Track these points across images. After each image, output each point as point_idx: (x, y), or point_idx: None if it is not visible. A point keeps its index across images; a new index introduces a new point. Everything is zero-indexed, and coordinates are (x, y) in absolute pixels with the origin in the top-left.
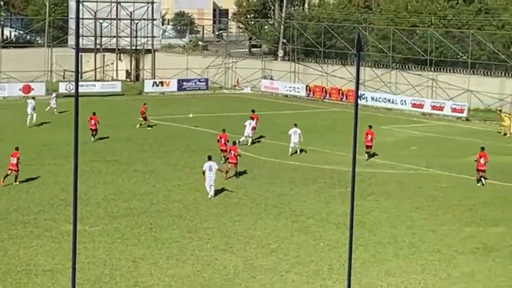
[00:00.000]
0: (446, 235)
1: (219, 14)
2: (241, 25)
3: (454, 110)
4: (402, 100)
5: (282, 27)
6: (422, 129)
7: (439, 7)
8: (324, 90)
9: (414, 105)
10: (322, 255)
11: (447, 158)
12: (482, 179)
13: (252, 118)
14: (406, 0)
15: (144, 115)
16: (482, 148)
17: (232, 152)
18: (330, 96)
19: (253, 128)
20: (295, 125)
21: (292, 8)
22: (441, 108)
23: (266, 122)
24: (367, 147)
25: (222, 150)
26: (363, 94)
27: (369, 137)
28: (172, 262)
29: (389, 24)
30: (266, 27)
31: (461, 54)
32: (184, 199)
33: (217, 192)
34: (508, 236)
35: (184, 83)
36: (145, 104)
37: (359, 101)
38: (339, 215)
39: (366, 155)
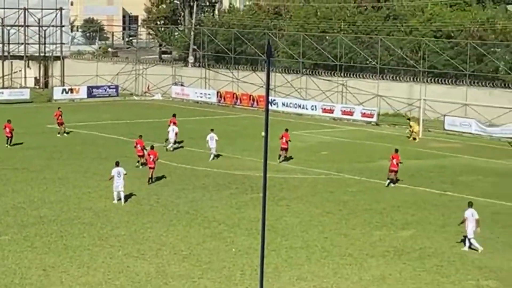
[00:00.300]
0: (357, 239)
1: (129, 21)
2: (151, 32)
3: (363, 115)
4: (312, 106)
5: (192, 33)
6: (333, 134)
7: (348, 13)
8: (234, 96)
9: (324, 110)
10: (234, 261)
11: (358, 162)
12: (393, 180)
13: (175, 123)
14: (316, 7)
15: (59, 120)
16: (396, 150)
17: (152, 156)
18: (241, 102)
19: (176, 134)
20: (212, 130)
21: (202, 15)
22: (351, 113)
23: (178, 129)
24: (282, 149)
25: (139, 156)
26: (274, 100)
27: (284, 139)
28: (83, 270)
29: (299, 30)
30: (176, 33)
31: (370, 60)
32: (95, 206)
33: (128, 199)
34: (418, 239)
35: (94, 90)
36: (59, 108)
37: (269, 107)
38: (251, 220)
39: (281, 157)
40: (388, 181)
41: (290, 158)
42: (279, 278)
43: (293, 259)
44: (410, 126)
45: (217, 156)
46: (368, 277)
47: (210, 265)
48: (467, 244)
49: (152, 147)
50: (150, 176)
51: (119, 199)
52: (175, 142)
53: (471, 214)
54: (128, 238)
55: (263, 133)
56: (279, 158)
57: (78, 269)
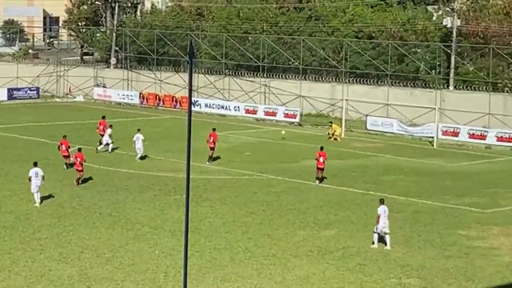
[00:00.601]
0: (280, 239)
1: (50, 22)
2: (73, 33)
3: (286, 115)
4: (235, 106)
5: (114, 34)
6: (256, 134)
7: (270, 14)
8: (157, 97)
9: (247, 111)
10: (158, 263)
11: (281, 163)
12: (319, 178)
13: (110, 126)
14: (238, 7)
15: None
16: (321, 148)
17: (78, 159)
18: (163, 103)
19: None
20: (139, 130)
21: (124, 16)
22: (274, 114)
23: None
24: (211, 148)
25: (64, 157)
26: (197, 101)
27: (211, 139)
28: (4, 275)
29: (221, 31)
30: (98, 34)
31: (292, 60)
32: (16, 209)
33: (49, 201)
34: (341, 238)
35: (14, 92)
36: None
37: (192, 108)
38: (174, 222)
39: (209, 157)
40: (317, 181)
41: (218, 158)
42: (203, 279)
43: (217, 260)
44: (331, 128)
45: (143, 157)
46: (292, 277)
47: (133, 267)
48: (377, 239)
49: (79, 150)
50: (78, 177)
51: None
52: (109, 143)
53: (383, 211)
54: (50, 242)
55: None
56: (208, 160)
57: None
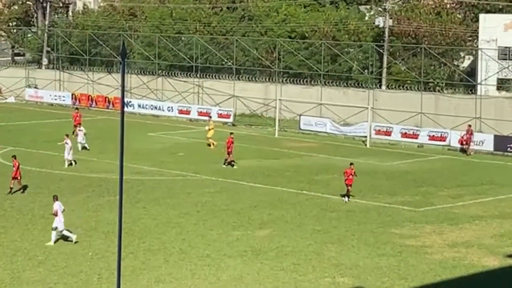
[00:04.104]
0: (215, 239)
1: None
2: (3, 33)
3: (220, 115)
4: (169, 107)
5: (45, 35)
6: (190, 135)
7: (203, 14)
8: (90, 98)
9: (181, 112)
10: (91, 265)
11: (214, 163)
12: (347, 195)
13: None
14: (171, 7)
15: None
16: (351, 164)
17: (16, 165)
18: (96, 104)
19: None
20: (67, 135)
21: (56, 16)
22: (207, 114)
23: (31, 132)
24: (228, 153)
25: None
26: (130, 102)
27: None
28: None
29: (154, 31)
30: (29, 35)
31: (226, 60)
32: None
33: None
34: (275, 238)
35: None
36: None
37: (125, 109)
38: (108, 223)
39: (225, 161)
40: (346, 198)
41: (233, 161)
42: (137, 281)
43: (151, 261)
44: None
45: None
46: (226, 277)
47: (66, 269)
48: (54, 238)
49: (14, 157)
50: (11, 186)
51: None
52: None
53: (59, 206)
54: None
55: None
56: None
57: None
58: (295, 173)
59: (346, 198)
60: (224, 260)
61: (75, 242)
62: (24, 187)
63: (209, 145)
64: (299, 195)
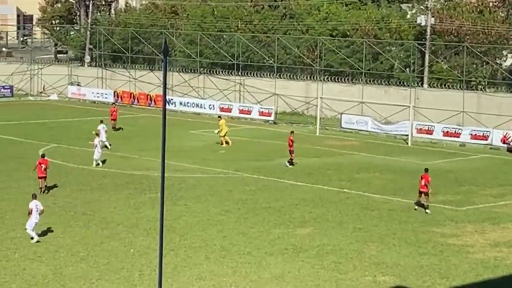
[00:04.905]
0: (255, 237)
1: (24, 20)
2: (47, 31)
3: (261, 113)
4: (210, 105)
5: (88, 32)
6: (231, 133)
7: (245, 12)
8: (132, 95)
9: (222, 109)
10: (132, 261)
11: (256, 161)
12: (423, 205)
13: (101, 121)
14: (213, 6)
15: None
16: (426, 170)
17: (43, 165)
18: (138, 101)
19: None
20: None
21: (98, 14)
22: (248, 112)
23: (74, 129)
24: (290, 152)
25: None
26: (172, 99)
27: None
28: None
29: (196, 29)
30: (72, 32)
31: (267, 58)
32: None
33: (24, 200)
34: (316, 236)
35: None
36: None
37: (167, 106)
38: (149, 220)
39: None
40: (419, 207)
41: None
42: (178, 277)
43: (192, 258)
44: (219, 125)
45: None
46: (267, 275)
47: (108, 266)
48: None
49: (43, 156)
50: (40, 186)
51: None
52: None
53: (35, 206)
54: (24, 241)
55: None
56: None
57: None
58: (336, 171)
59: (427, 210)
60: (265, 258)
61: (36, 241)
62: (45, 188)
63: (223, 143)
64: (340, 194)
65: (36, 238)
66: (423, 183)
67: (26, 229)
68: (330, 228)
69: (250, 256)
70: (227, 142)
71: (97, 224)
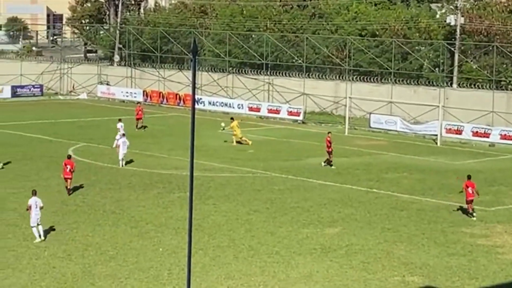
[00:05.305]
0: (284, 237)
1: (53, 19)
2: (76, 30)
3: (290, 113)
4: (239, 104)
5: (117, 32)
6: (259, 132)
7: (274, 12)
8: (161, 95)
9: (251, 109)
10: (161, 260)
11: (284, 160)
12: (473, 212)
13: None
14: (242, 5)
15: None
16: (469, 177)
17: (68, 166)
18: (167, 100)
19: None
20: (123, 135)
21: (128, 13)
22: (277, 112)
23: (103, 128)
24: (328, 153)
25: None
26: (200, 99)
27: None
28: (8, 272)
29: (225, 28)
30: (101, 32)
31: (296, 58)
32: (20, 207)
33: (53, 199)
34: (345, 236)
35: (18, 89)
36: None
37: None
38: (178, 219)
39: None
40: (470, 214)
41: (328, 161)
42: (207, 277)
43: (221, 258)
44: (230, 126)
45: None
46: (296, 275)
47: (137, 265)
48: (37, 233)
49: (69, 157)
50: (66, 186)
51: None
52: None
53: (34, 202)
54: (53, 239)
55: (223, 124)
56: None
57: (2, 270)
58: (364, 171)
59: (473, 217)
60: (294, 257)
61: (40, 241)
62: (70, 190)
63: (240, 142)
64: (369, 193)
65: (38, 239)
66: (470, 191)
67: (32, 227)
68: (359, 228)
69: (279, 256)
70: (238, 142)
71: (126, 223)
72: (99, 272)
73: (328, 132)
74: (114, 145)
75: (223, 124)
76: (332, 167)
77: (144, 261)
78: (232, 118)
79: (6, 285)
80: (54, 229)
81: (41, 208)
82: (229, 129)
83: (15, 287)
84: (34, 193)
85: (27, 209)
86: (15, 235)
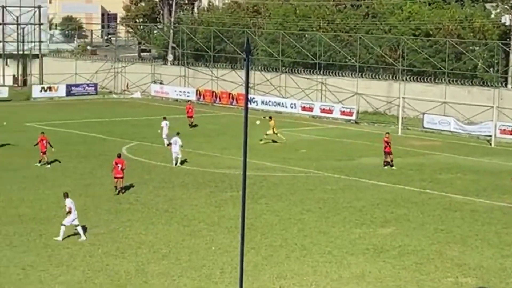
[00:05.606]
0: (336, 237)
1: (108, 19)
2: (130, 30)
3: (343, 113)
4: (292, 104)
5: (171, 31)
6: (312, 132)
7: (327, 12)
8: (214, 94)
9: (303, 109)
10: (214, 259)
11: (337, 160)
12: None
13: (164, 118)
14: (295, 5)
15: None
16: None
17: (119, 165)
18: (220, 100)
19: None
20: (178, 134)
21: (181, 13)
22: (330, 111)
23: (157, 127)
24: (388, 153)
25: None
26: (253, 98)
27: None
28: (62, 269)
29: (278, 28)
30: (155, 31)
31: (349, 58)
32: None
33: (107, 197)
34: (397, 236)
35: (72, 88)
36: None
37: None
38: (230, 218)
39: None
40: None
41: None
42: (259, 276)
43: (273, 257)
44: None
45: (182, 162)
46: (348, 275)
47: (189, 263)
48: (63, 232)
49: (119, 155)
50: (116, 185)
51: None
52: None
53: (71, 203)
54: (107, 237)
55: (257, 122)
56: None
57: (57, 267)
58: (418, 171)
59: None
60: (346, 257)
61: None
62: (121, 189)
63: (275, 141)
64: (422, 194)
65: (60, 238)
66: None
67: (63, 225)
68: (412, 229)
69: (331, 256)
70: (281, 138)
71: (178, 221)
72: (152, 270)
73: (386, 133)
74: (166, 144)
75: (258, 122)
76: (393, 167)
77: (197, 259)
78: (270, 117)
79: (60, 282)
80: (107, 228)
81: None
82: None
83: (69, 284)
84: (67, 195)
85: (68, 212)
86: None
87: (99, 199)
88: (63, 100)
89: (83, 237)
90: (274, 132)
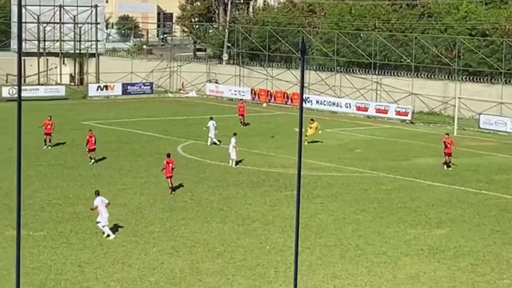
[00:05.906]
0: (391, 237)
1: (164, 18)
2: (186, 29)
3: (398, 113)
4: (347, 103)
5: (226, 31)
6: (367, 132)
7: (382, 11)
8: (269, 93)
9: (358, 108)
10: (268, 258)
11: (392, 160)
12: None
13: (211, 118)
14: (350, 4)
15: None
16: None
17: (170, 164)
18: (275, 99)
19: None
20: (235, 134)
21: (237, 12)
22: (385, 111)
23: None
24: (448, 154)
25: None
26: (308, 98)
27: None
28: (118, 267)
29: (333, 27)
30: (210, 31)
31: (404, 58)
32: (129, 203)
33: (162, 195)
34: (453, 237)
35: (128, 87)
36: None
37: (304, 105)
38: (285, 218)
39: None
40: None
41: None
42: (313, 276)
43: (327, 257)
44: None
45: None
46: (402, 276)
47: (244, 262)
48: (106, 231)
49: (168, 155)
50: (170, 185)
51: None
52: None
53: (100, 201)
54: (162, 235)
55: (296, 129)
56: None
57: (113, 265)
58: (473, 172)
59: None
60: (401, 258)
61: (107, 236)
62: (174, 188)
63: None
64: (478, 195)
65: (112, 235)
66: None
67: (98, 222)
68: (467, 230)
69: (386, 256)
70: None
71: (233, 220)
72: (207, 268)
73: (446, 134)
74: (209, 143)
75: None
76: (449, 168)
77: (251, 258)
78: (312, 120)
79: (116, 279)
80: (162, 226)
81: (107, 205)
82: (318, 130)
83: (125, 282)
84: (98, 193)
85: (93, 209)
86: (125, 230)
87: (154, 197)
88: (119, 98)
89: (107, 234)
90: (306, 134)
